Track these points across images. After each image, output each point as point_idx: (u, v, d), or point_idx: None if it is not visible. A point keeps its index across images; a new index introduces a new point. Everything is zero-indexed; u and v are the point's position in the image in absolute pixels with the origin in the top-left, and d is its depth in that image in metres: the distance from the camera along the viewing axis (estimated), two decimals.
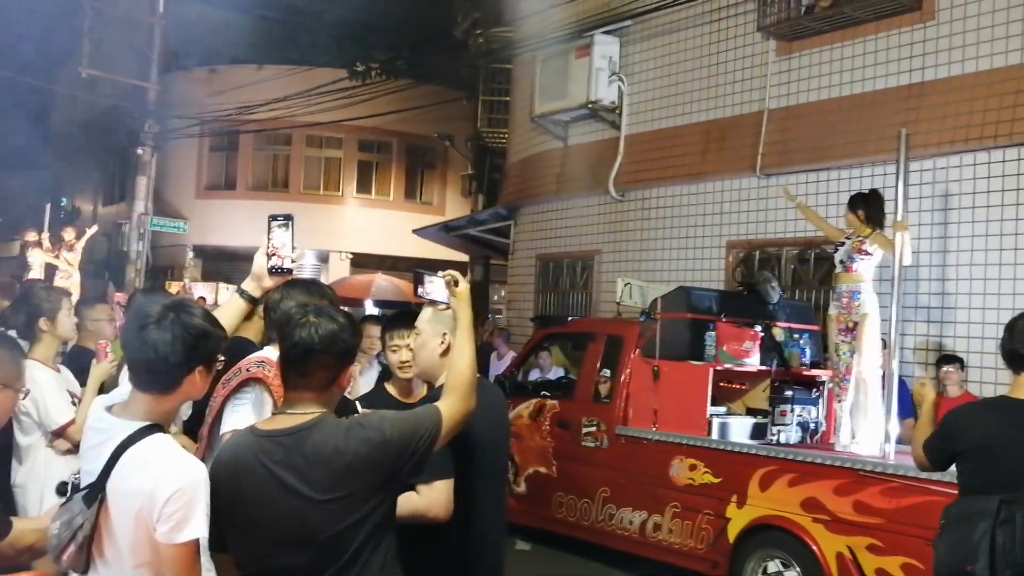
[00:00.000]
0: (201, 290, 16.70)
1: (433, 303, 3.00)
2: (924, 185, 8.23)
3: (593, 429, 7.52)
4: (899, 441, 6.05)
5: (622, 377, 7.44)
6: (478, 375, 2.76)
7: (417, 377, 3.37)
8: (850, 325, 6.55)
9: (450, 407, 2.60)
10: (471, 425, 2.76)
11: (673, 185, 10.68)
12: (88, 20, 18.68)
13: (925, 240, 8.13)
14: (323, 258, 22.28)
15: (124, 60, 19.75)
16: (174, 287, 16.99)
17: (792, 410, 6.88)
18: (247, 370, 2.94)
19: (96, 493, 2.25)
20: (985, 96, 7.86)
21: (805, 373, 7.30)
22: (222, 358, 2.49)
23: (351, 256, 22.17)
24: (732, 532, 6.36)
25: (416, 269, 2.99)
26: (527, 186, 13.04)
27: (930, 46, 8.36)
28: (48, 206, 15.59)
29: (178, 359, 2.29)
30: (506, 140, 14.77)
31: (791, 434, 6.81)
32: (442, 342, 3.08)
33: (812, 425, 7.04)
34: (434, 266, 3.18)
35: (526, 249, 13.08)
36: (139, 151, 18.70)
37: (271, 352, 2.99)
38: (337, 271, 21.61)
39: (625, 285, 8.21)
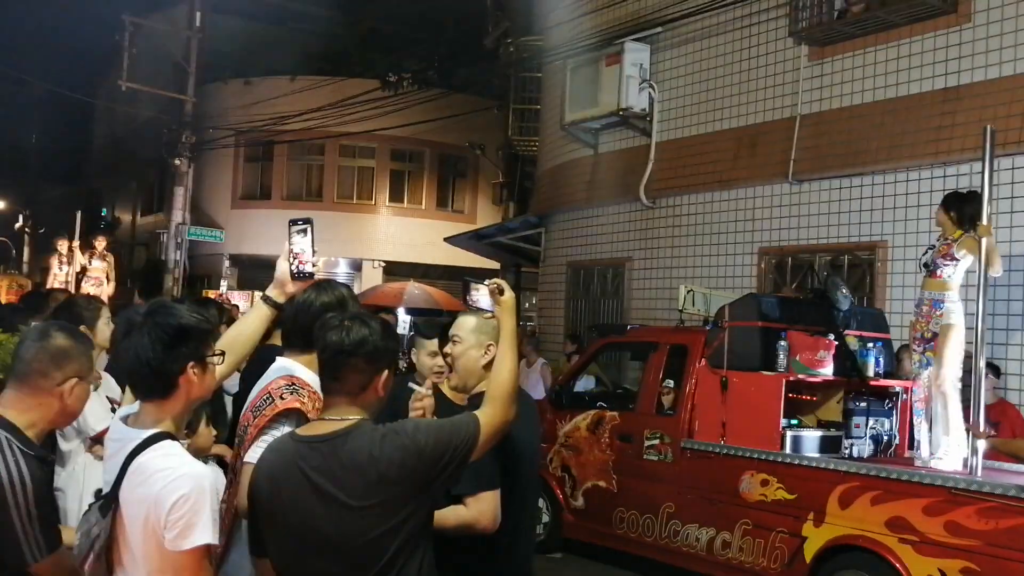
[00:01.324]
0: (237, 298, 16.75)
1: (480, 311, 2.96)
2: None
3: (656, 442, 7.13)
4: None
5: (687, 388, 7.04)
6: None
7: (453, 387, 3.30)
8: (927, 335, 6.00)
9: (489, 417, 2.54)
10: (511, 435, 2.70)
11: (704, 192, 10.52)
12: (128, 34, 18.90)
13: None
14: (356, 266, 22.30)
15: (162, 73, 19.95)
16: (211, 295, 17.04)
17: (866, 422, 6.52)
18: (281, 397, 2.81)
19: (110, 503, 2.25)
20: (1020, 100, 7.64)
21: (878, 383, 6.83)
22: (219, 351, 2.44)
23: (383, 264, 22.17)
24: (809, 552, 5.97)
25: (464, 277, 2.96)
26: (558, 194, 12.93)
27: (966, 49, 8.16)
28: (79, 214, 15.64)
29: (161, 362, 2.26)
30: (537, 148, 14.69)
31: (864, 447, 6.43)
32: (486, 352, 3.04)
33: (886, 438, 6.65)
34: (480, 274, 3.14)
35: (557, 256, 12.97)
36: (176, 162, 18.88)
37: (295, 366, 2.92)
38: (370, 279, 21.62)
39: (688, 292, 7.86)
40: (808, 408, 6.89)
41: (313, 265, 2.79)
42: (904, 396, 6.86)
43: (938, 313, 5.95)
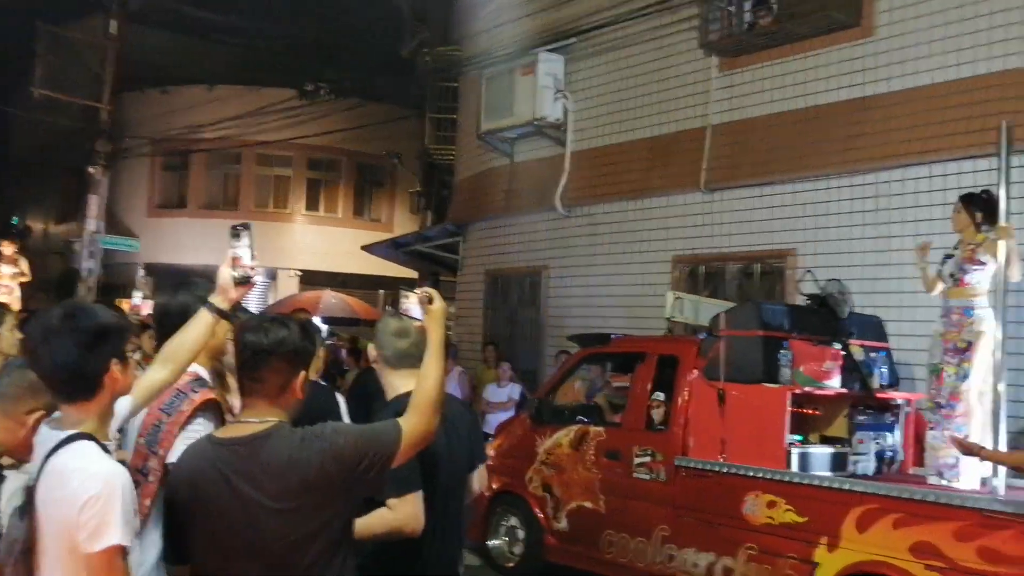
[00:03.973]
0: (151, 307, 15.94)
1: (411, 319, 2.91)
2: (867, 199, 7.95)
3: (647, 459, 6.42)
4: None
5: (679, 401, 6.35)
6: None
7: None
8: (960, 345, 5.53)
9: (413, 425, 2.48)
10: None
11: (619, 200, 10.29)
12: (43, 42, 18.03)
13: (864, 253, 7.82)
14: (272, 275, 21.57)
15: (80, 82, 19.10)
16: (124, 304, 16.19)
17: (871, 438, 6.03)
18: (193, 391, 2.68)
19: (26, 506, 2.19)
20: (925, 111, 7.57)
21: (884, 396, 6.32)
22: (138, 346, 2.26)
23: (300, 273, 21.48)
24: None
25: (400, 287, 2.83)
26: (475, 202, 12.60)
27: (870, 61, 8.07)
28: None
29: (85, 363, 2.19)
30: (454, 157, 14.34)
31: (869, 464, 5.94)
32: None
33: (889, 454, 6.13)
34: (397, 284, 2.89)
35: (475, 265, 12.62)
36: (91, 170, 18.04)
37: (198, 367, 2.78)
38: (286, 288, 20.92)
39: (676, 299, 7.16)
40: (811, 423, 6.25)
41: (252, 269, 2.68)
42: (908, 409, 6.41)
43: (969, 321, 5.53)
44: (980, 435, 5.33)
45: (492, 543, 7.55)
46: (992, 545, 4.69)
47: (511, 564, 7.45)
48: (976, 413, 5.46)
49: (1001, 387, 5.05)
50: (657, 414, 6.55)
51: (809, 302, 6.65)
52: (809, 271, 7.05)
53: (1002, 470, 4.98)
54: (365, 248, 16.72)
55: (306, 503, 2.29)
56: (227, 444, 2.36)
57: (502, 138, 11.62)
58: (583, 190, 10.70)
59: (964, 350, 5.52)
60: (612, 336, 7.50)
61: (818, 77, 8.46)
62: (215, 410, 2.71)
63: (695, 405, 6.27)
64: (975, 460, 5.28)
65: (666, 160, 9.76)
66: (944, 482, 5.48)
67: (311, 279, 21.08)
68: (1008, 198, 5.26)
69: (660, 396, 6.54)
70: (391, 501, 2.73)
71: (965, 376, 5.51)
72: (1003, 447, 5.01)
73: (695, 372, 6.32)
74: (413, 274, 16.78)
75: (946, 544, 4.86)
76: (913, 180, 7.66)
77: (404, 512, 2.75)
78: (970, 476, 5.42)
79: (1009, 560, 4.60)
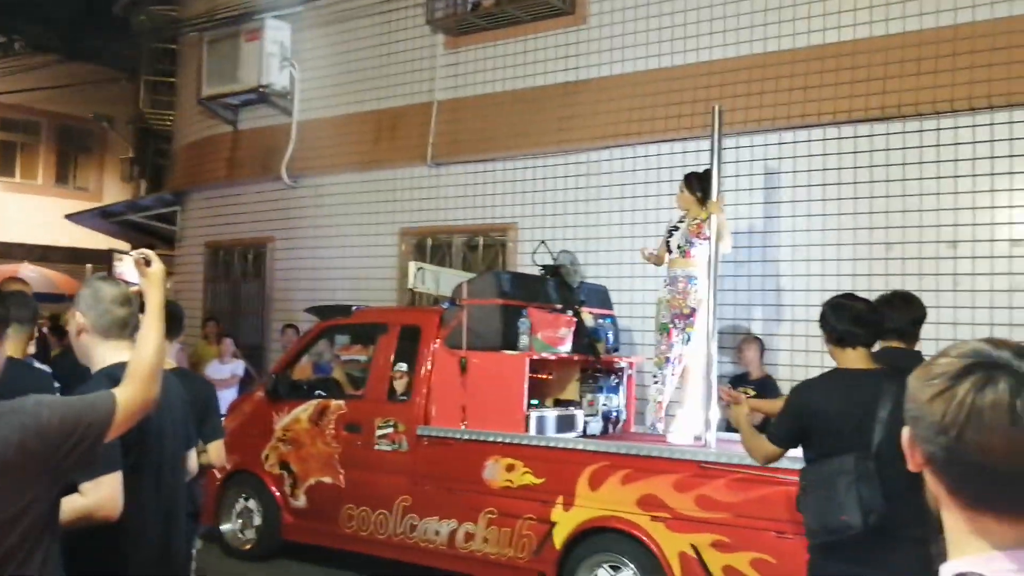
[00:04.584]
0: None
1: (127, 284, 2.71)
2: (580, 176, 8.49)
3: (389, 431, 6.42)
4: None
5: (422, 371, 6.39)
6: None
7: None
8: (686, 311, 6.02)
9: (129, 395, 2.32)
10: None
11: (346, 173, 10.24)
12: None
13: (584, 228, 8.38)
14: None
15: None
16: None
17: (598, 400, 6.37)
18: None
19: None
20: (631, 96, 8.19)
21: (610, 360, 6.72)
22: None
23: None
24: (559, 537, 5.59)
25: (111, 250, 2.61)
26: (195, 171, 12.00)
27: (583, 48, 8.59)
28: None
29: None
30: (172, 123, 13.53)
31: (597, 425, 6.23)
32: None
33: (615, 415, 6.52)
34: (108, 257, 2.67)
35: (195, 236, 12.04)
36: None
37: None
38: None
39: (418, 270, 7.08)
40: (546, 388, 6.51)
41: None
42: (630, 372, 6.83)
43: (693, 289, 6.02)
44: (696, 397, 5.96)
45: (225, 527, 7.26)
46: (707, 493, 5.12)
47: (247, 547, 7.19)
48: (695, 376, 6.06)
49: (713, 347, 5.66)
50: (400, 385, 6.60)
51: (543, 272, 7.00)
52: (543, 242, 7.48)
53: (714, 425, 5.57)
54: (69, 217, 15.35)
55: (5, 486, 2.03)
56: None
57: (225, 104, 11.15)
58: (310, 161, 10.53)
59: (688, 315, 6.04)
60: (353, 307, 7.45)
61: (536, 60, 8.88)
62: None
63: (437, 374, 6.33)
64: (692, 418, 5.89)
65: (393, 134, 9.84)
66: (666, 435, 6.00)
67: (7, 252, 19.06)
68: (720, 177, 5.83)
69: (403, 367, 6.60)
70: (84, 485, 2.48)
71: (689, 339, 6.10)
72: (715, 405, 5.58)
73: (437, 342, 6.39)
74: (125, 246, 15.67)
75: (668, 495, 5.24)
76: (620, 160, 8.28)
77: (98, 495, 2.49)
78: (684, 432, 5.96)
79: (722, 507, 5.05)
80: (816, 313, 6.87)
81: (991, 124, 6.55)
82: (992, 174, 6.55)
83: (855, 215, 7.03)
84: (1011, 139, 6.49)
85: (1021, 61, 6.38)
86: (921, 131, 6.81)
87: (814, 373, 4.08)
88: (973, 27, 6.60)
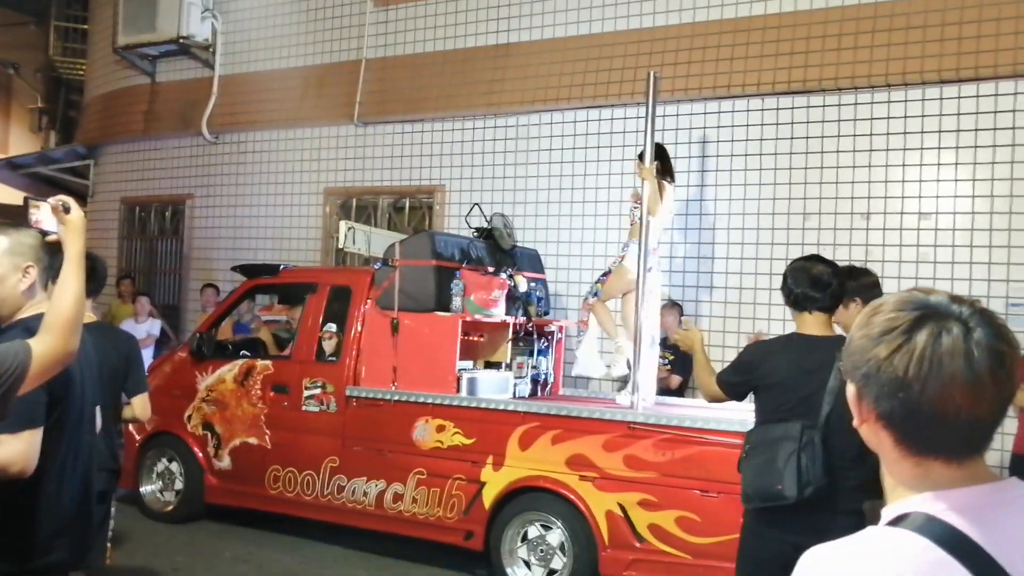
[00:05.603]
0: None
1: (44, 233, 2.59)
2: (509, 140, 8.50)
3: (317, 391, 6.37)
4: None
5: (352, 332, 6.33)
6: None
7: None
8: (607, 271, 6.35)
9: (47, 346, 2.25)
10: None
11: (270, 130, 10.03)
12: None
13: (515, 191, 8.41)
14: None
15: None
16: None
17: (527, 363, 6.40)
18: None
19: None
20: (562, 60, 8.22)
21: (541, 323, 6.71)
22: None
23: None
24: (488, 496, 5.63)
25: (25, 197, 2.58)
26: (110, 123, 11.57)
27: (514, 10, 8.56)
28: None
29: None
30: (84, 72, 13.00)
31: (526, 387, 6.29)
32: (24, 275, 2.59)
33: (543, 377, 6.59)
34: (12, 212, 2.57)
35: (109, 192, 11.64)
36: None
37: None
38: None
39: (348, 230, 6.93)
40: (478, 350, 6.50)
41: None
42: (559, 336, 6.89)
43: (621, 256, 6.20)
44: (613, 327, 6.32)
45: (145, 489, 7.12)
46: (635, 453, 5.22)
47: (169, 508, 7.06)
48: (601, 310, 6.33)
49: (643, 314, 5.70)
50: (329, 345, 6.52)
51: (476, 235, 7.00)
52: (477, 205, 7.46)
53: (643, 387, 5.65)
54: None
55: None
56: None
57: (142, 55, 10.75)
58: (232, 116, 10.28)
59: (605, 274, 6.33)
60: (281, 267, 7.33)
61: (467, 21, 8.80)
62: None
63: (368, 335, 6.29)
64: (621, 346, 6.12)
65: (320, 91, 9.67)
66: (610, 373, 6.24)
67: None
68: (651, 143, 5.83)
69: (332, 327, 6.53)
70: (3, 437, 2.41)
71: (596, 294, 6.32)
72: (653, 363, 5.84)
73: (368, 302, 6.35)
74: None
75: (597, 455, 5.32)
76: (549, 124, 8.31)
77: (15, 449, 2.41)
78: (621, 362, 6.13)
79: (649, 466, 5.17)
80: (740, 280, 7.10)
81: (905, 101, 6.79)
82: (904, 149, 6.80)
83: (774, 185, 7.23)
84: (922, 116, 6.74)
85: (935, 40, 6.63)
86: (839, 105, 7.02)
87: (735, 341, 4.21)
88: (893, 5, 6.82)
